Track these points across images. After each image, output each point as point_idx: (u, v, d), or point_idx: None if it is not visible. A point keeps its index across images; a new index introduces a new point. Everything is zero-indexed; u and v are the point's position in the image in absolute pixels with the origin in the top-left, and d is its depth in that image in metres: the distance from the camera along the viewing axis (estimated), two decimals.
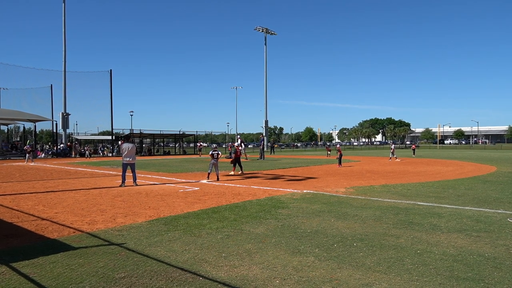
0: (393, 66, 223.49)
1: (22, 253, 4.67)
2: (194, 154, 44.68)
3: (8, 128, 50.08)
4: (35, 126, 41.23)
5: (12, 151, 38.94)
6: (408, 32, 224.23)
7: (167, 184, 12.46)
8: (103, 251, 4.76)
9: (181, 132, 50.69)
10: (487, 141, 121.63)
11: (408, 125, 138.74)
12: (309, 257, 4.57)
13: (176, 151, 49.95)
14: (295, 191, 10.52)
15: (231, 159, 17.26)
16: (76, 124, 67.95)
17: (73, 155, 38.49)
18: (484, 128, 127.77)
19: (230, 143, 44.16)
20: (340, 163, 21.58)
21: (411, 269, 4.13)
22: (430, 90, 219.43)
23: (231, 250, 4.84)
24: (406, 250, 4.82)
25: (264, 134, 52.39)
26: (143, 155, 40.67)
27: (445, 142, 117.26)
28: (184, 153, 48.12)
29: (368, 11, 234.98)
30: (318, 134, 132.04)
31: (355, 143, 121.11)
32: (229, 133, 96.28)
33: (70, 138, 47.98)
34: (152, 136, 48.24)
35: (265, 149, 35.12)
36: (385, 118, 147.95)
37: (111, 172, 17.88)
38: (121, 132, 44.57)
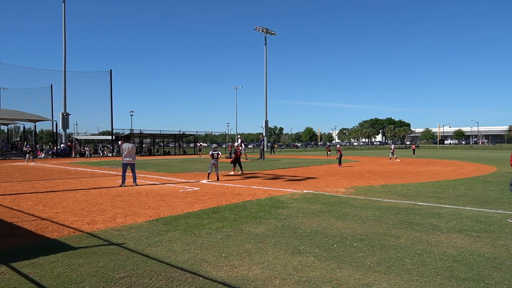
0: (393, 66, 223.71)
1: (22, 253, 4.67)
2: (194, 154, 44.69)
3: (8, 128, 50.15)
4: (35, 126, 41.26)
5: (12, 151, 38.96)
6: (408, 32, 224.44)
7: (167, 184, 12.46)
8: (103, 251, 4.76)
9: (181, 132, 50.71)
10: (487, 141, 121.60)
11: (408, 125, 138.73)
12: (309, 257, 4.57)
13: (176, 151, 49.98)
14: (295, 191, 10.52)
15: (231, 159, 17.26)
16: (76, 124, 67.96)
17: (73, 155, 38.51)
18: (484, 128, 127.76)
19: (230, 143, 44.18)
20: (340, 163, 21.58)
21: (411, 269, 4.13)
22: (430, 90, 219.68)
23: (231, 250, 4.84)
24: (406, 250, 4.82)
25: (264, 134, 52.39)
26: (143, 155, 40.67)
27: (445, 142, 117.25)
28: (184, 153, 48.14)
29: (368, 11, 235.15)
30: (318, 134, 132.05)
31: (355, 143, 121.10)
32: (229, 133, 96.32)
33: (70, 138, 47.98)
34: (152, 136, 48.25)
35: (265, 149, 35.12)
36: (385, 118, 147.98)
37: (111, 172, 17.88)
38: (121, 132, 44.59)
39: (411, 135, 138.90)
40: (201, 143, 46.50)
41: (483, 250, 4.84)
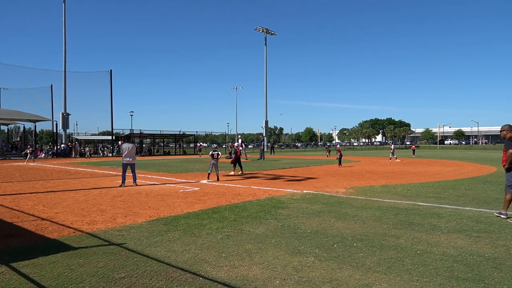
0: (393, 66, 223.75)
1: (22, 253, 4.67)
2: (194, 154, 44.69)
3: (8, 128, 50.13)
4: (35, 126, 41.24)
5: (12, 151, 38.96)
6: (408, 32, 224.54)
7: (167, 184, 12.46)
8: (103, 251, 4.76)
9: (181, 132, 50.73)
10: (487, 141, 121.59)
11: (408, 125, 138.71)
12: (309, 257, 4.57)
13: (176, 151, 49.98)
14: (295, 191, 10.52)
15: (231, 159, 17.26)
16: (76, 124, 67.93)
17: (73, 155, 38.51)
18: (484, 129, 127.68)
19: (230, 143, 44.19)
20: (340, 163, 21.58)
21: (411, 269, 4.13)
22: (430, 90, 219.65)
23: (231, 250, 4.84)
24: (406, 251, 4.82)
25: (264, 135, 52.41)
26: (143, 155, 40.68)
27: (445, 142, 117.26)
28: (184, 153, 48.14)
29: (368, 11, 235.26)
30: (318, 134, 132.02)
31: (355, 144, 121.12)
32: (229, 133, 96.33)
33: (70, 138, 47.98)
34: (152, 136, 48.25)
35: (265, 149, 35.12)
36: (385, 119, 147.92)
37: (111, 172, 17.88)
38: (121, 132, 44.60)
39: (411, 135, 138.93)
40: (201, 143, 46.51)
41: (483, 250, 4.84)
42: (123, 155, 12.33)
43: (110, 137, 43.74)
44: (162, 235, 5.61)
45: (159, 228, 6.08)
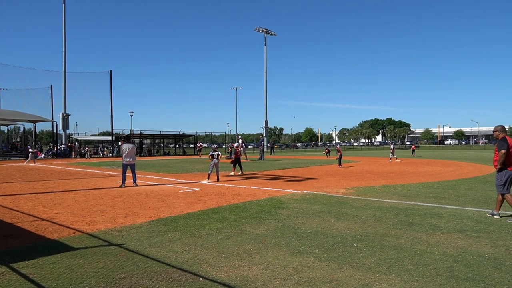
0: (393, 66, 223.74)
1: (22, 254, 4.67)
2: (194, 154, 44.70)
3: (8, 129, 50.11)
4: (35, 126, 41.24)
5: (12, 151, 38.95)
6: (408, 32, 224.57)
7: (167, 185, 12.46)
8: (103, 252, 4.76)
9: (181, 133, 50.74)
10: (487, 141, 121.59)
11: (408, 125, 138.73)
12: (309, 257, 4.57)
13: (176, 151, 49.98)
14: (295, 191, 10.52)
15: (230, 159, 17.27)
16: (76, 125, 67.94)
17: (73, 156, 38.51)
18: (484, 129, 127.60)
19: (230, 144, 44.22)
20: (340, 163, 21.58)
21: (411, 269, 4.13)
22: (430, 90, 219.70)
23: (231, 251, 4.83)
24: (406, 251, 4.82)
25: (264, 135, 52.42)
26: (143, 156, 40.68)
27: (445, 142, 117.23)
28: (184, 153, 48.16)
29: (368, 11, 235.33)
30: (318, 134, 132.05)
31: (355, 144, 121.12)
32: (229, 133, 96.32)
33: (70, 138, 47.98)
34: (152, 136, 48.28)
35: (265, 149, 35.13)
36: (385, 119, 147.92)
37: (111, 173, 17.88)
38: (121, 133, 44.62)
39: (411, 135, 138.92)
40: (201, 143, 46.52)
41: (483, 250, 4.84)
42: (123, 155, 12.33)
43: (110, 138, 43.74)
44: (162, 235, 5.61)
45: (159, 228, 6.08)
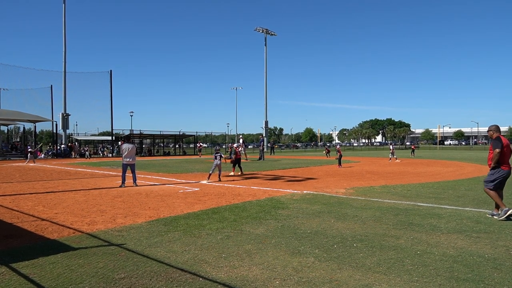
0: (393, 66, 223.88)
1: (22, 254, 4.67)
2: (194, 154, 44.70)
3: (8, 129, 50.11)
4: (35, 126, 41.25)
5: (12, 151, 38.94)
6: (408, 32, 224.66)
7: (167, 185, 12.46)
8: (103, 252, 4.76)
9: (181, 133, 50.74)
10: (487, 142, 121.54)
11: (408, 125, 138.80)
12: (309, 257, 4.57)
13: (176, 151, 49.98)
14: (295, 191, 10.52)
15: (230, 159, 17.29)
16: (76, 125, 68.05)
17: (73, 156, 38.50)
18: (484, 129, 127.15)
19: (230, 144, 44.22)
20: (339, 163, 21.58)
21: (411, 270, 4.13)
22: (430, 90, 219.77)
23: (231, 251, 4.83)
24: (406, 251, 4.82)
25: (264, 135, 52.42)
26: (143, 156, 40.68)
27: (445, 143, 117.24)
28: (184, 153, 48.16)
29: (368, 11, 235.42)
30: (318, 134, 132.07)
31: (355, 144, 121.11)
32: (229, 133, 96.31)
33: (70, 138, 47.99)
34: (152, 136, 48.29)
35: (265, 149, 35.12)
36: (385, 119, 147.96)
37: (111, 173, 17.88)
38: (121, 133, 44.62)
39: (411, 135, 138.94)
40: (201, 143, 46.53)
41: (483, 250, 4.84)
42: (123, 155, 12.34)
43: (110, 138, 43.74)
44: (162, 235, 5.61)
45: (159, 228, 6.08)
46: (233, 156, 16.65)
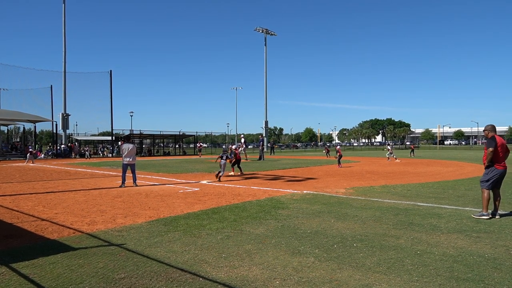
0: (393, 66, 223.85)
1: (22, 254, 4.67)
2: (194, 154, 44.70)
3: (8, 129, 50.11)
4: (35, 126, 41.29)
5: (12, 151, 38.94)
6: (408, 32, 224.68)
7: (167, 185, 12.46)
8: (103, 252, 4.76)
9: (181, 133, 50.74)
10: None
11: (408, 125, 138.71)
12: (309, 257, 4.57)
13: (176, 151, 49.98)
14: (295, 191, 10.52)
15: (229, 160, 17.29)
16: (76, 125, 68.08)
17: (73, 156, 38.51)
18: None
19: (230, 145, 44.29)
20: (339, 163, 21.58)
21: (411, 269, 4.13)
22: (430, 90, 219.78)
23: (231, 251, 4.83)
24: (406, 251, 4.82)
25: (264, 135, 52.42)
26: (143, 156, 40.68)
27: (445, 142, 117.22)
28: (184, 153, 48.15)
29: (368, 11, 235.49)
30: (318, 134, 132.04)
31: (355, 144, 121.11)
32: (229, 133, 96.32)
33: (70, 138, 47.99)
34: (152, 136, 48.27)
35: (265, 149, 35.13)
36: (385, 119, 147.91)
37: (111, 173, 17.88)
38: (121, 133, 44.64)
39: (411, 135, 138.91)
40: (201, 143, 46.53)
41: (483, 250, 4.84)
42: (123, 155, 12.34)
43: (110, 138, 43.73)
44: (162, 235, 5.61)
45: (159, 228, 6.08)
46: (232, 156, 16.66)
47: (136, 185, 11.97)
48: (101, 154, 43.26)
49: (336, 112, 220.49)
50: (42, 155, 37.95)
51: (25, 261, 4.36)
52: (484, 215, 6.77)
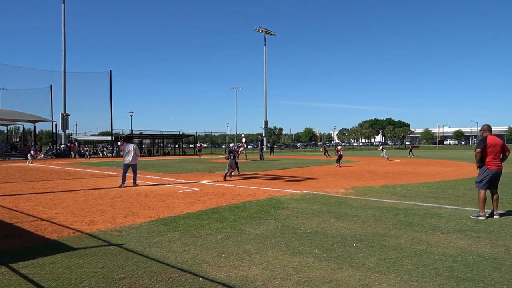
0: (393, 66, 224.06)
1: (22, 254, 4.66)
2: (194, 154, 44.69)
3: (7, 129, 50.09)
4: (34, 126, 41.22)
5: (12, 151, 38.92)
6: (408, 32, 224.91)
7: (166, 185, 12.46)
8: (103, 252, 4.76)
9: (180, 133, 50.73)
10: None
11: (408, 125, 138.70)
12: (309, 257, 4.57)
13: (176, 151, 49.97)
14: (295, 191, 10.52)
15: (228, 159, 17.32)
16: (76, 125, 68.03)
17: (72, 156, 38.50)
18: None
19: (230, 144, 44.28)
20: (339, 163, 21.58)
21: (410, 269, 4.13)
22: (430, 90, 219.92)
23: (230, 251, 4.83)
24: (406, 251, 4.82)
25: (263, 135, 52.42)
26: (142, 156, 40.63)
27: (445, 142, 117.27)
28: (184, 153, 48.15)
29: (368, 11, 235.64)
30: (318, 134, 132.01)
31: (354, 144, 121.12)
32: (229, 133, 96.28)
33: (70, 138, 47.98)
34: (152, 136, 48.28)
35: (264, 149, 35.12)
36: (384, 119, 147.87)
37: (110, 173, 17.87)
38: (120, 133, 44.61)
39: (410, 135, 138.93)
40: (201, 143, 46.51)
41: (483, 250, 4.84)
42: (124, 155, 12.33)
43: (109, 138, 43.71)
44: (162, 235, 5.61)
45: (158, 228, 6.08)
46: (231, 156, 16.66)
47: (136, 185, 11.97)
48: (100, 154, 43.24)
49: (335, 112, 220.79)
50: (42, 155, 37.94)
51: (24, 261, 4.36)
52: (480, 216, 6.77)
